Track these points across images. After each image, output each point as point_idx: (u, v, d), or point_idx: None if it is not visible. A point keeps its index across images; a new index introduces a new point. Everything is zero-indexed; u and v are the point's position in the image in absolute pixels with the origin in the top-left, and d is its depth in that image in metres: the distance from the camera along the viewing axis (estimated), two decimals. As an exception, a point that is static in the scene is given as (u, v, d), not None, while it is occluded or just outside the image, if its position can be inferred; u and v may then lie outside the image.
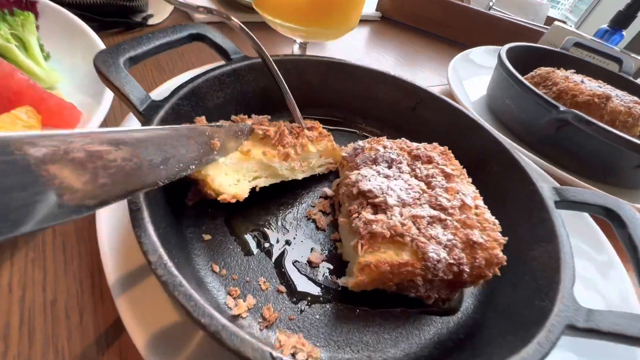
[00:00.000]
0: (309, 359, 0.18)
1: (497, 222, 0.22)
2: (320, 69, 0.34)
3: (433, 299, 0.22)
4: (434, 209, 0.22)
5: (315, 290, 0.22)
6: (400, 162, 0.25)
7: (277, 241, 0.25)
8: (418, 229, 0.20)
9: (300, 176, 0.28)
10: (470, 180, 0.25)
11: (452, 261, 0.19)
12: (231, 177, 0.23)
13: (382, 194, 0.22)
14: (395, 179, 0.24)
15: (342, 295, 0.22)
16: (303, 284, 0.23)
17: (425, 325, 0.22)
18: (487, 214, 0.22)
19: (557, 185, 0.32)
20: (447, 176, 0.24)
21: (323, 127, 0.30)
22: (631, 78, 0.53)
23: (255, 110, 0.33)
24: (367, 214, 0.21)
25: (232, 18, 0.27)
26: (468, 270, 0.19)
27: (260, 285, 0.22)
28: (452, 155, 0.27)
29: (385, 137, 0.28)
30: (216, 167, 0.22)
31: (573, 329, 0.17)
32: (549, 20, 0.85)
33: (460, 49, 0.63)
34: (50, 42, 0.36)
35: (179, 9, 0.56)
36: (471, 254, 0.20)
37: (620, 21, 0.70)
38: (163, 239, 0.17)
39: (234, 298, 0.21)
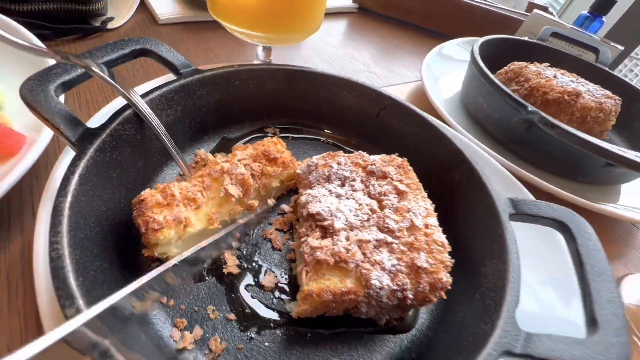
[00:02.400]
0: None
1: (445, 242, 0.21)
2: (279, 78, 0.33)
3: (384, 319, 0.22)
4: (382, 231, 0.21)
5: (267, 315, 0.22)
6: (354, 180, 0.25)
7: (233, 265, 0.24)
8: (363, 254, 0.20)
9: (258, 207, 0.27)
10: (425, 194, 0.25)
11: (395, 287, 0.19)
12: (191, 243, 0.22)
13: (331, 216, 0.22)
14: (347, 199, 0.23)
15: (294, 319, 0.22)
16: (255, 310, 0.22)
17: (378, 346, 0.22)
18: (437, 234, 0.22)
19: (525, 194, 0.32)
20: (400, 193, 0.24)
21: (290, 138, 0.29)
22: (607, 69, 0.53)
23: (211, 125, 0.32)
24: (313, 240, 0.21)
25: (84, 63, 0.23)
26: (412, 295, 0.19)
27: (208, 314, 0.21)
28: (409, 168, 0.27)
29: (341, 152, 0.27)
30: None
31: (510, 354, 0.17)
32: (531, 7, 0.83)
33: (441, 40, 0.62)
34: (-2, 57, 0.34)
35: (142, 11, 0.54)
36: (415, 278, 0.19)
37: (600, 7, 0.69)
38: (93, 281, 0.17)
39: (180, 330, 0.20)
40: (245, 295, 0.23)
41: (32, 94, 0.20)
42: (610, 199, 0.41)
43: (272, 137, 0.30)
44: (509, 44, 0.54)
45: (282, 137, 0.34)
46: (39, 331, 0.21)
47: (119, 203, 0.22)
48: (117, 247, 0.21)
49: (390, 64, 0.60)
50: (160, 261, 0.22)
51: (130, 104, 0.23)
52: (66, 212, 0.17)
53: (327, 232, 0.21)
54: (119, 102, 0.30)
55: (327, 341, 0.22)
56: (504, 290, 0.20)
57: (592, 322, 0.18)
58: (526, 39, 0.55)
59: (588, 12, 0.71)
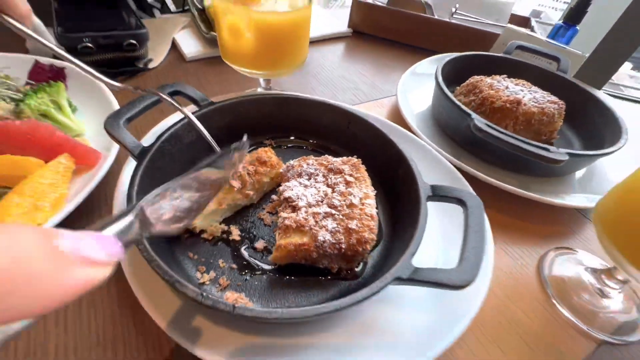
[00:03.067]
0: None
1: (374, 214, 0.31)
2: (272, 103, 0.44)
3: (336, 268, 0.32)
4: (329, 207, 0.32)
5: (257, 265, 0.33)
6: (317, 175, 0.35)
7: (236, 235, 0.35)
8: (315, 221, 0.31)
9: (255, 200, 0.38)
10: (369, 184, 0.35)
11: (333, 241, 0.29)
12: (208, 220, 0.34)
13: (297, 198, 0.33)
14: (310, 187, 0.34)
15: (275, 269, 0.33)
16: (249, 262, 0.33)
17: (332, 287, 0.32)
18: (368, 209, 0.32)
19: (464, 185, 0.41)
20: (347, 183, 0.34)
21: (282, 147, 0.40)
22: (565, 75, 0.60)
23: (222, 142, 0.44)
24: (284, 213, 0.31)
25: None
26: (344, 246, 0.29)
27: (219, 264, 0.33)
28: (361, 166, 0.37)
29: (312, 156, 0.38)
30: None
31: (399, 280, 0.26)
32: (513, 19, 0.90)
33: (426, 55, 0.72)
34: (76, 97, 0.48)
35: (173, 52, 0.68)
36: (348, 236, 0.30)
37: (573, 17, 0.75)
38: (156, 246, 0.28)
39: (201, 273, 0.32)
40: (244, 254, 0.34)
41: (112, 126, 0.33)
42: (562, 188, 0.48)
43: (266, 147, 0.41)
44: (477, 59, 0.63)
45: (277, 146, 0.46)
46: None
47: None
48: None
49: (376, 81, 0.70)
50: (189, 231, 0.34)
51: (188, 120, 0.35)
52: (134, 196, 0.29)
53: (294, 208, 0.32)
54: (160, 127, 0.43)
55: (297, 283, 0.32)
56: (409, 243, 0.29)
57: (460, 260, 0.27)
58: (492, 53, 0.64)
59: (562, 22, 0.77)
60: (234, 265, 0.33)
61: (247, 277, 0.32)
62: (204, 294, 0.24)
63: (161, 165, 0.35)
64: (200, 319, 0.28)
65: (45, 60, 0.50)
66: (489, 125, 0.43)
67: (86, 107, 0.48)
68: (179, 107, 0.34)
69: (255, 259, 0.34)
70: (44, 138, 0.37)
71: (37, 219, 0.32)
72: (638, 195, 0.29)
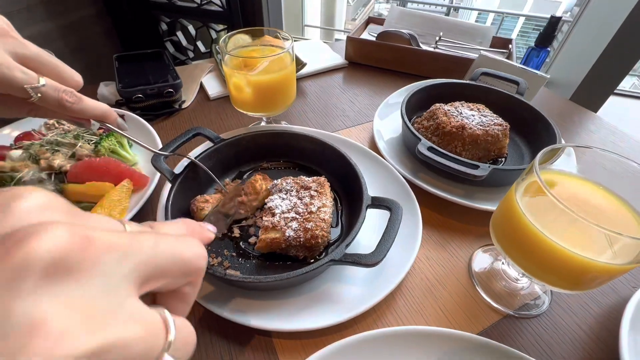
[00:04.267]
0: (238, 280, 0.44)
1: (327, 218, 0.45)
2: (268, 136, 0.60)
3: (302, 256, 0.46)
4: (295, 213, 0.46)
5: (250, 254, 0.48)
6: (292, 190, 0.50)
7: (237, 233, 0.51)
8: (285, 223, 0.45)
9: (250, 213, 0.53)
10: (330, 197, 0.49)
11: (295, 236, 0.43)
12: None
13: (275, 207, 0.47)
14: (285, 200, 0.49)
15: (262, 256, 0.48)
16: (245, 251, 0.48)
17: (299, 268, 0.46)
18: (322, 215, 0.46)
19: (412, 199, 0.54)
20: (312, 196, 0.48)
21: (274, 168, 0.56)
22: (520, 97, 0.69)
23: (233, 165, 0.60)
24: (265, 217, 0.46)
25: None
26: (302, 240, 0.43)
27: (224, 252, 0.48)
28: (326, 183, 0.51)
29: (290, 177, 0.53)
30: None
31: (333, 261, 0.40)
32: (495, 41, 0.99)
33: (414, 80, 0.85)
34: (131, 133, 0.67)
35: (200, 92, 0.87)
36: (305, 233, 0.44)
37: (543, 40, 0.84)
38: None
39: (212, 258, 0.47)
40: (241, 245, 0.49)
41: (155, 161, 0.50)
42: (499, 197, 0.58)
43: (259, 171, 0.57)
44: (442, 87, 0.74)
45: (271, 168, 0.61)
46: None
47: (185, 202, 0.51)
48: None
49: (362, 107, 0.84)
50: None
51: (195, 164, 0.52)
52: (169, 206, 0.46)
53: (273, 214, 0.47)
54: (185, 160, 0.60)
55: (277, 266, 0.47)
56: (347, 237, 0.43)
57: (376, 247, 0.40)
58: (455, 80, 0.74)
59: (535, 45, 0.86)
60: (234, 254, 0.48)
61: (242, 261, 0.47)
62: (217, 270, 0.39)
63: (187, 185, 0.52)
64: (215, 291, 0.44)
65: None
66: (431, 148, 0.56)
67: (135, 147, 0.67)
68: (192, 159, 0.51)
69: (248, 249, 0.49)
70: (113, 169, 0.55)
71: (111, 223, 0.49)
72: (504, 206, 0.40)
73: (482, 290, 0.47)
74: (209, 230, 0.26)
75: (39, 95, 0.32)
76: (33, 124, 0.67)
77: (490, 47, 0.98)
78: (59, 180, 0.55)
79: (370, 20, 1.12)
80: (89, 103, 0.37)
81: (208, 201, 0.48)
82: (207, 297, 0.42)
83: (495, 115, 0.64)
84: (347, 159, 0.54)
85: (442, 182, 0.60)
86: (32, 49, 0.33)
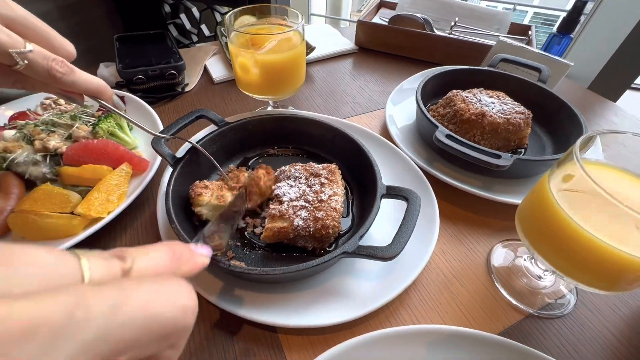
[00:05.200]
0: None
1: (338, 207, 0.42)
2: (273, 121, 0.57)
3: (311, 247, 0.43)
4: (305, 201, 0.43)
5: (255, 244, 0.45)
6: (301, 177, 0.47)
7: (242, 223, 0.48)
8: (293, 212, 0.42)
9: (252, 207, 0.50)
10: (341, 185, 0.46)
11: (304, 226, 0.40)
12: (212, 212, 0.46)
13: (283, 195, 0.44)
14: (294, 187, 0.46)
15: (268, 246, 0.45)
16: (251, 241, 0.45)
17: (307, 260, 0.43)
18: (333, 204, 0.42)
19: (427, 187, 0.50)
20: (322, 184, 0.45)
21: (282, 155, 0.53)
22: (542, 85, 0.65)
23: (237, 150, 0.57)
24: (273, 205, 0.43)
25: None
26: (312, 230, 0.40)
27: (228, 243, 0.45)
28: (337, 170, 0.48)
29: (299, 163, 0.49)
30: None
31: (346, 253, 0.37)
32: (514, 28, 0.94)
33: (427, 67, 0.81)
34: (132, 116, 0.64)
35: (204, 75, 0.83)
36: (315, 223, 0.41)
37: (566, 26, 0.79)
38: (178, 218, 0.42)
39: (215, 248, 0.45)
40: (247, 235, 0.46)
41: (156, 144, 0.47)
42: (522, 189, 0.55)
43: (263, 167, 0.52)
44: (460, 72, 0.70)
45: (280, 154, 0.58)
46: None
47: (187, 187, 0.48)
48: (185, 206, 0.46)
49: (374, 94, 0.80)
50: (200, 220, 0.46)
51: (196, 150, 0.48)
52: (170, 192, 0.43)
53: (280, 202, 0.44)
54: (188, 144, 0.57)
55: (283, 258, 0.44)
56: (360, 229, 0.40)
57: (392, 240, 0.37)
58: (474, 67, 0.70)
59: (556, 31, 0.81)
60: (238, 243, 0.45)
61: (247, 252, 0.44)
62: (220, 259, 0.36)
63: (190, 170, 0.48)
64: (218, 283, 0.41)
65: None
66: (449, 136, 0.52)
67: (136, 130, 0.64)
68: (193, 143, 0.48)
69: (253, 239, 0.46)
70: (112, 151, 0.52)
71: (108, 208, 0.47)
72: (534, 197, 0.37)
73: (502, 287, 0.44)
74: (202, 255, 0.21)
75: (26, 62, 0.29)
76: (29, 103, 0.63)
77: (508, 33, 0.93)
78: (55, 162, 0.52)
79: (381, 4, 1.08)
80: (82, 76, 0.34)
81: (207, 187, 0.45)
82: (209, 289, 0.40)
83: (516, 103, 0.60)
84: (359, 145, 0.51)
85: (459, 173, 0.56)
86: (18, 11, 0.29)
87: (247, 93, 0.60)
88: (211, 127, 0.56)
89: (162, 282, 0.15)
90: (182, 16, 1.26)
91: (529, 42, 0.87)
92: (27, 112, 0.59)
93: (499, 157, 0.49)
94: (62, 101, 0.63)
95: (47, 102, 0.62)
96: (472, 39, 0.90)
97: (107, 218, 0.46)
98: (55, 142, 0.52)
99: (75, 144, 0.52)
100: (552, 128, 0.64)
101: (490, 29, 0.94)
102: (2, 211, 0.46)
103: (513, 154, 0.61)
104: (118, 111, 0.39)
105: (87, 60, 0.78)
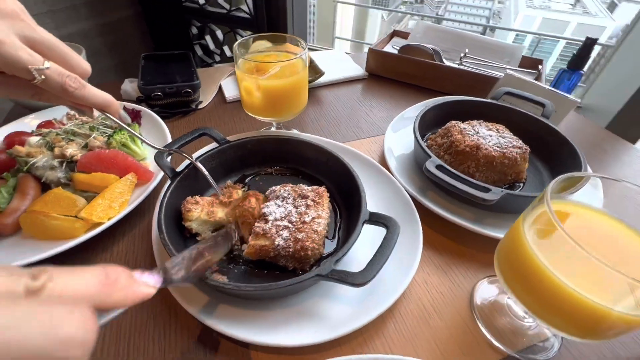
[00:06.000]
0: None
1: (320, 230, 0.43)
2: (272, 142, 0.59)
3: (291, 267, 0.44)
4: (288, 222, 0.44)
5: (240, 260, 0.47)
6: (289, 198, 0.49)
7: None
8: (276, 231, 0.44)
9: None
10: (326, 207, 0.47)
11: (285, 245, 0.42)
12: (202, 227, 0.49)
13: (270, 214, 0.46)
14: (281, 207, 0.47)
15: (252, 263, 0.46)
16: (235, 257, 0.47)
17: (284, 279, 0.44)
18: (315, 226, 0.44)
19: (414, 215, 0.51)
20: (308, 206, 0.47)
21: (278, 174, 0.55)
22: (544, 120, 0.65)
23: (236, 168, 0.60)
24: (258, 224, 0.45)
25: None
26: (292, 250, 0.42)
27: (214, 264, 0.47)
28: (324, 193, 0.49)
29: (290, 184, 0.51)
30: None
31: (319, 276, 0.38)
32: (525, 61, 0.94)
33: (434, 95, 0.83)
34: (145, 130, 0.69)
35: (218, 94, 0.88)
36: (295, 243, 0.42)
37: (576, 63, 0.79)
38: (168, 230, 0.44)
39: (202, 260, 0.47)
40: (235, 252, 0.48)
41: (158, 158, 0.50)
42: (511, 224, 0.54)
43: (252, 193, 0.54)
44: (461, 104, 0.71)
45: (276, 173, 0.60)
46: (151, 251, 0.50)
47: (181, 202, 0.50)
48: (178, 218, 0.49)
49: (377, 120, 0.82)
50: (190, 233, 0.49)
51: (194, 165, 0.52)
52: (165, 204, 0.46)
53: (266, 221, 0.46)
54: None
55: (265, 275, 0.45)
56: (339, 253, 0.40)
57: (366, 266, 0.38)
58: (475, 98, 0.71)
59: (567, 67, 0.81)
60: (224, 258, 0.47)
61: (232, 267, 0.46)
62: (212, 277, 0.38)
63: (187, 184, 0.51)
64: (198, 295, 0.43)
65: (129, 105, 0.73)
66: (440, 167, 0.53)
67: (151, 138, 0.68)
68: (191, 159, 0.51)
69: (239, 255, 0.47)
70: (121, 161, 0.57)
71: (109, 214, 0.50)
72: (510, 235, 0.37)
73: (482, 324, 0.43)
74: (145, 285, 0.21)
75: (43, 77, 0.33)
76: (56, 113, 0.70)
77: (519, 67, 0.93)
78: (70, 168, 0.57)
79: (394, 34, 1.11)
80: (92, 91, 0.38)
81: (198, 203, 0.48)
82: (188, 300, 0.41)
83: (515, 137, 0.60)
84: (349, 169, 0.52)
85: (452, 204, 0.56)
86: (41, 34, 0.34)
87: (250, 114, 0.64)
88: (214, 145, 0.59)
89: (51, 307, 0.14)
90: (207, 37, 1.35)
91: (538, 76, 0.86)
92: (53, 121, 0.66)
93: (487, 190, 0.49)
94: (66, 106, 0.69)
95: (72, 112, 0.68)
96: (481, 70, 0.91)
97: (107, 223, 0.49)
98: (72, 150, 0.57)
99: (89, 153, 0.57)
100: (553, 164, 0.63)
101: (500, 61, 0.95)
102: (17, 210, 0.50)
103: (510, 188, 0.60)
104: (122, 124, 0.43)
105: (118, 74, 0.86)
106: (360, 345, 0.41)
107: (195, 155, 0.56)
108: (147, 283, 0.21)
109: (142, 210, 0.56)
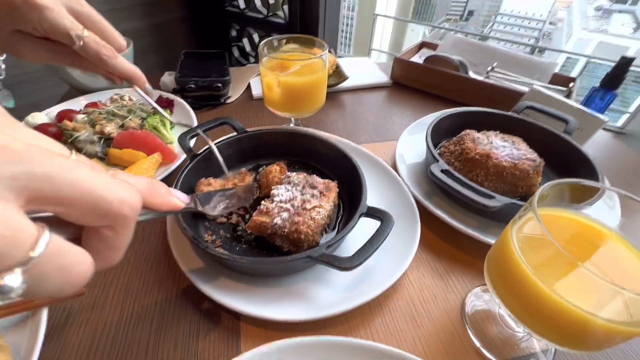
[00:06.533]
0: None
1: (317, 219, 0.45)
2: (286, 135, 0.63)
3: (286, 249, 0.47)
4: (291, 206, 0.47)
5: (242, 239, 0.50)
6: (299, 185, 0.51)
7: (235, 219, 0.53)
8: (278, 211, 0.46)
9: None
10: (331, 200, 0.49)
11: (281, 225, 0.44)
12: None
13: (277, 195, 0.49)
14: (289, 192, 0.50)
15: (255, 242, 0.49)
16: (239, 236, 0.50)
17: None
18: (315, 214, 0.46)
19: (415, 216, 0.51)
20: (313, 195, 0.49)
21: (291, 167, 0.58)
22: (567, 137, 0.63)
23: (251, 157, 0.64)
24: (264, 202, 0.48)
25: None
26: (286, 231, 0.44)
27: (220, 233, 0.51)
28: (333, 186, 0.51)
29: (303, 172, 0.54)
30: None
31: (310, 257, 0.40)
32: (557, 78, 0.91)
33: (457, 106, 0.82)
34: (176, 117, 0.76)
35: (247, 91, 0.94)
36: (290, 226, 0.44)
37: (610, 82, 0.76)
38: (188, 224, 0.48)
39: (209, 236, 0.50)
40: (238, 230, 0.51)
41: (181, 140, 0.56)
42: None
43: (280, 164, 0.58)
44: (481, 115, 0.70)
45: (289, 165, 0.63)
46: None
47: (194, 181, 0.55)
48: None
49: (395, 125, 0.83)
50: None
51: (211, 149, 0.56)
52: (181, 180, 0.50)
53: (272, 201, 0.48)
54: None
55: (262, 254, 0.48)
56: (332, 240, 0.42)
57: (355, 253, 0.39)
58: (491, 109, 0.70)
59: (600, 86, 0.78)
60: (228, 235, 0.51)
61: (234, 244, 0.49)
62: (195, 237, 0.42)
63: (204, 166, 0.56)
64: (203, 266, 0.46)
65: (164, 94, 0.80)
66: (446, 171, 0.53)
67: (181, 124, 0.75)
68: (208, 141, 0.55)
69: (243, 235, 0.51)
70: (150, 142, 0.62)
71: (134, 186, 0.56)
72: (500, 239, 0.37)
73: (471, 330, 0.43)
74: (177, 198, 0.26)
75: (81, 43, 0.38)
76: (102, 96, 0.78)
77: (549, 83, 0.91)
78: (107, 144, 0.64)
79: (423, 45, 1.12)
80: (123, 62, 0.43)
81: (211, 184, 0.52)
82: (191, 269, 0.45)
83: (530, 150, 0.59)
84: (355, 166, 0.54)
85: (457, 210, 0.56)
86: (85, 8, 0.39)
87: (270, 108, 0.68)
88: (234, 134, 0.64)
89: (117, 180, 0.19)
90: (245, 40, 1.43)
91: (568, 94, 0.83)
92: (99, 102, 0.74)
93: (491, 197, 0.48)
94: (126, 97, 0.77)
95: (116, 97, 0.76)
96: (509, 85, 0.89)
97: (131, 194, 0.55)
98: (110, 128, 0.64)
99: (123, 132, 0.63)
100: (572, 176, 0.60)
101: (530, 77, 0.93)
102: (58, 175, 0.57)
103: (521, 200, 0.59)
104: (145, 96, 0.48)
105: (161, 71, 0.94)
106: (345, 331, 0.42)
107: (215, 141, 0.61)
108: (179, 197, 0.27)
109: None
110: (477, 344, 0.42)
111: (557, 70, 0.92)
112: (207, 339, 0.41)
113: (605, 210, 0.39)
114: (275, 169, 0.56)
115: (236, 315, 0.43)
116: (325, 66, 0.63)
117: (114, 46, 0.42)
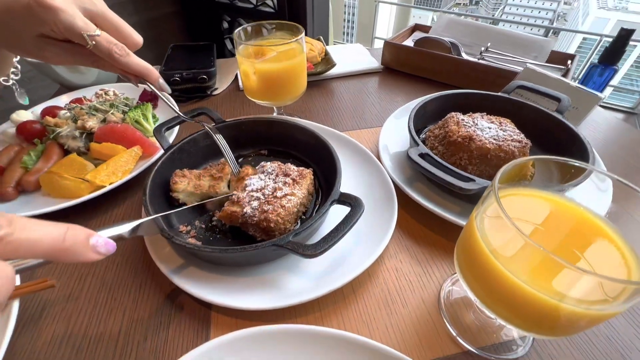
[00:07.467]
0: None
1: (288, 207, 0.45)
2: (264, 123, 0.62)
3: (259, 237, 0.46)
4: (262, 194, 0.46)
5: (217, 230, 0.50)
6: (272, 174, 0.50)
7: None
8: (248, 200, 0.46)
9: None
10: (304, 187, 0.48)
11: (251, 214, 0.44)
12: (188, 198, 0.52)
13: (249, 185, 0.48)
14: (262, 181, 0.49)
15: (230, 233, 0.49)
16: (214, 227, 0.50)
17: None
18: (285, 202, 0.45)
19: (393, 201, 0.50)
20: (285, 183, 0.48)
21: (271, 155, 0.57)
22: (556, 114, 0.60)
23: (231, 147, 0.63)
24: (236, 192, 0.48)
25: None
26: (256, 220, 0.43)
27: (195, 223, 0.51)
28: (307, 174, 0.50)
29: (277, 161, 0.53)
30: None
31: (276, 245, 0.39)
32: (554, 56, 0.87)
33: (449, 89, 0.79)
34: (160, 111, 0.76)
35: (234, 83, 0.93)
36: (260, 214, 0.44)
37: (609, 57, 0.71)
38: (152, 199, 0.48)
39: (184, 226, 0.50)
40: (213, 220, 0.51)
41: (157, 132, 0.55)
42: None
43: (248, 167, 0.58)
44: (470, 96, 0.67)
45: (269, 155, 0.63)
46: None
47: (171, 173, 0.55)
48: (165, 189, 0.53)
49: (382, 111, 0.81)
50: (178, 201, 0.52)
51: (211, 133, 0.55)
52: (154, 172, 0.50)
53: (244, 191, 0.48)
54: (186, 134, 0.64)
55: (235, 240, 0.47)
56: (304, 228, 0.41)
57: (320, 240, 0.38)
58: (478, 91, 0.67)
59: (598, 62, 0.73)
60: (203, 226, 0.50)
61: (208, 234, 0.49)
62: (165, 230, 0.41)
63: (179, 157, 0.56)
64: (174, 258, 0.46)
65: (149, 87, 0.80)
66: (424, 155, 0.51)
67: (164, 118, 0.74)
68: (209, 130, 0.55)
69: (217, 225, 0.50)
70: (130, 135, 0.62)
71: (111, 179, 0.56)
72: (467, 224, 0.35)
73: (447, 318, 0.42)
74: (96, 252, 0.23)
75: (94, 43, 0.37)
76: (87, 92, 0.79)
77: (547, 62, 0.87)
78: (89, 139, 0.64)
79: (416, 27, 1.08)
80: (135, 59, 0.42)
81: (185, 176, 0.51)
82: (162, 261, 0.45)
83: (517, 131, 0.56)
84: (331, 152, 0.53)
85: (439, 196, 0.54)
86: (99, 7, 0.39)
87: (249, 98, 0.67)
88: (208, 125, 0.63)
89: (3, 241, 0.18)
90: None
91: (566, 73, 0.79)
92: (83, 98, 0.74)
93: (470, 180, 0.46)
94: (111, 92, 0.77)
95: (100, 92, 0.76)
96: (503, 65, 0.86)
97: (109, 187, 0.55)
98: (92, 123, 0.64)
99: (104, 126, 0.63)
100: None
101: (527, 56, 0.89)
102: (40, 171, 0.58)
103: (508, 184, 0.57)
104: (158, 92, 0.47)
105: (156, 64, 0.95)
106: (317, 319, 0.42)
107: (194, 133, 0.60)
108: (98, 250, 0.24)
109: (143, 180, 0.61)
110: (450, 329, 0.41)
111: (557, 48, 0.87)
112: (178, 328, 0.41)
113: (596, 195, 0.37)
114: (249, 170, 0.53)
115: (208, 305, 0.43)
116: (302, 51, 0.61)
117: (130, 43, 0.41)
